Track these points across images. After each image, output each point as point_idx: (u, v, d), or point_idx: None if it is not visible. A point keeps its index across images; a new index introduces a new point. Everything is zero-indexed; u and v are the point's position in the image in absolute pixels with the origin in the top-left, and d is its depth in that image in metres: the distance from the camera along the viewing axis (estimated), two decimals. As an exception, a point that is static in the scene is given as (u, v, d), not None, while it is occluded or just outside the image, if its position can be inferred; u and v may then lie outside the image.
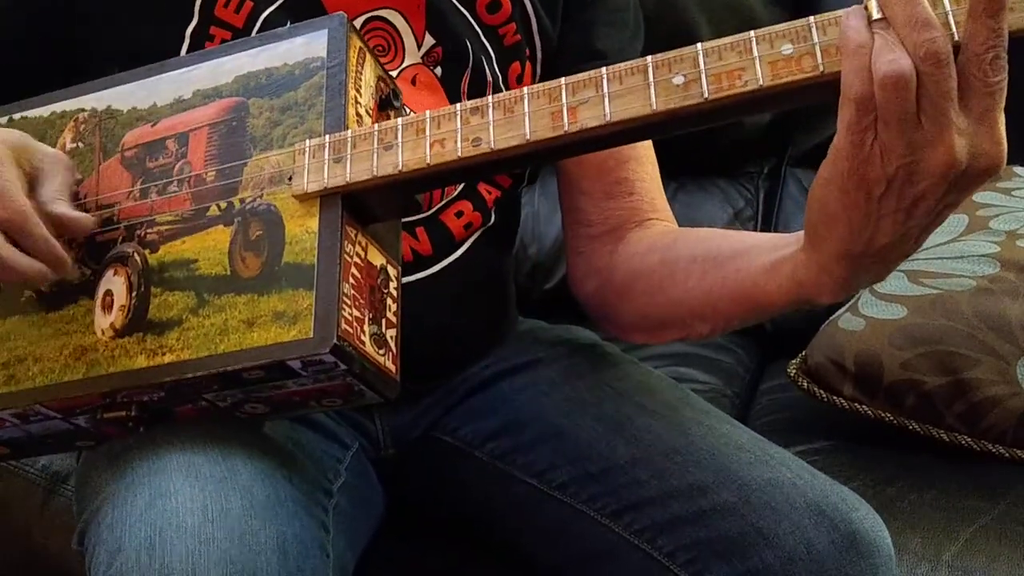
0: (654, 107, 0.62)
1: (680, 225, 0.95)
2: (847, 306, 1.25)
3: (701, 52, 0.62)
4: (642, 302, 0.88)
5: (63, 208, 0.71)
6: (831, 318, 1.25)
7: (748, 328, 1.58)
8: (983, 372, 1.13)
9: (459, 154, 0.66)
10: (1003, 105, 0.58)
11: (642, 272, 0.88)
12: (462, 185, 0.89)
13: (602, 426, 0.87)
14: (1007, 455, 1.13)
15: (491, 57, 0.89)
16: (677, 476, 0.82)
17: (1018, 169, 1.40)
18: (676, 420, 0.86)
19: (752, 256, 0.74)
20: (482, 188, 0.90)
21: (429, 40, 0.87)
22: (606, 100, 0.64)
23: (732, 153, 1.64)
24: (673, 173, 1.51)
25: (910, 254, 0.65)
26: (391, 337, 0.71)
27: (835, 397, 1.20)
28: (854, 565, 0.75)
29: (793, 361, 1.25)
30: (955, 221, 1.30)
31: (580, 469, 0.86)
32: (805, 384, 1.22)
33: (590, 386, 0.92)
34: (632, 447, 0.85)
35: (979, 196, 1.34)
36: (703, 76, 0.61)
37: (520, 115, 0.65)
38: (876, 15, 0.58)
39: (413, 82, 0.86)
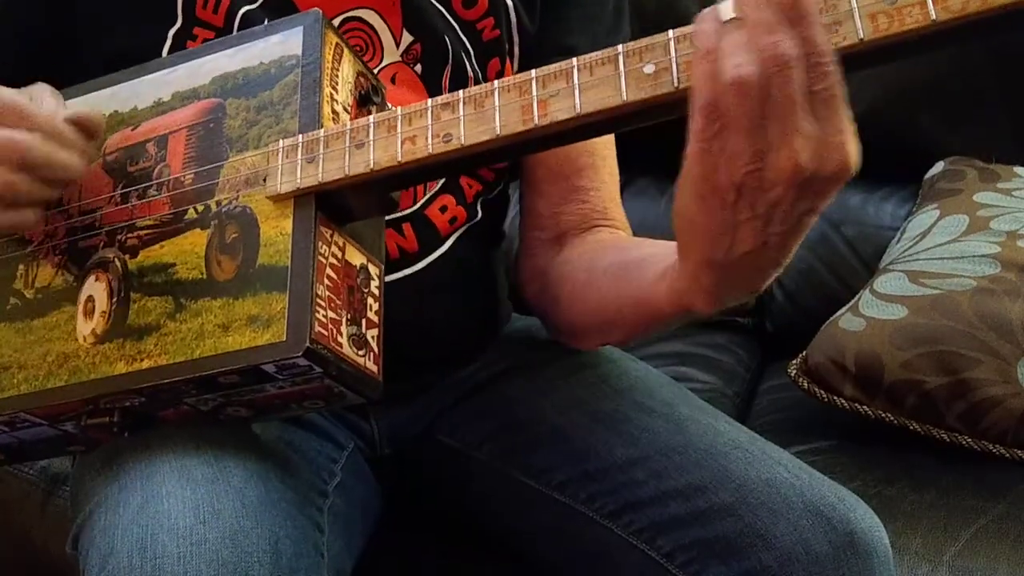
0: (624, 97, 0.60)
1: None
2: (848, 306, 1.25)
3: (672, 40, 0.60)
4: (568, 307, 0.88)
5: (71, 112, 0.73)
6: (832, 318, 1.24)
7: (748, 328, 1.60)
8: (983, 372, 1.12)
9: (430, 151, 0.65)
10: (842, 110, 0.56)
11: (570, 278, 0.88)
12: (443, 179, 0.88)
13: (600, 425, 0.87)
14: (1007, 455, 1.13)
15: (470, 53, 0.89)
16: (675, 476, 0.82)
17: (1018, 169, 1.39)
18: (674, 419, 0.86)
19: (648, 265, 0.74)
20: (463, 182, 0.90)
21: (407, 38, 0.87)
22: (576, 92, 0.62)
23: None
24: (673, 174, 1.50)
25: (781, 262, 0.62)
26: (372, 337, 0.70)
27: (835, 397, 1.19)
28: (852, 565, 0.75)
29: (793, 361, 1.25)
30: (955, 221, 1.30)
31: (578, 469, 0.86)
32: (805, 384, 1.22)
33: (588, 385, 0.92)
34: (630, 446, 0.85)
35: (980, 196, 1.34)
36: (674, 64, 0.59)
37: (491, 109, 0.64)
38: (731, 14, 0.56)
39: (393, 80, 0.86)
